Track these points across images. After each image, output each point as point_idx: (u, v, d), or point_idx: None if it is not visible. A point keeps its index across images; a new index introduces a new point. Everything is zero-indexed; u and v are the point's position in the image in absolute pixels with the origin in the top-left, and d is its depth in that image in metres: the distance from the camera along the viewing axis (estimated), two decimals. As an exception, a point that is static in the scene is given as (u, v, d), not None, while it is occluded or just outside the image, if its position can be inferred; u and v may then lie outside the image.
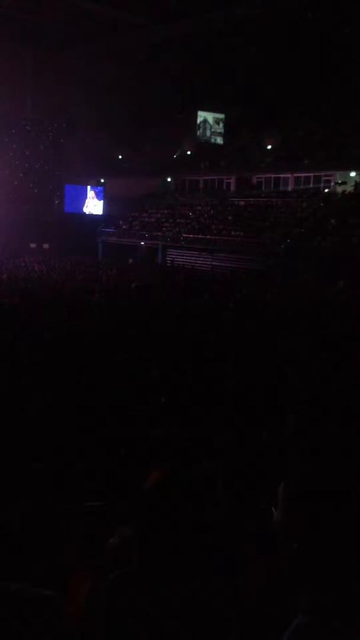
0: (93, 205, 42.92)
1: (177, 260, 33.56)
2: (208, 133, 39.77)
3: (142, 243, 37.62)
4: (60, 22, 37.20)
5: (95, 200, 42.88)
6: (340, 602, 1.19)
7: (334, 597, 1.19)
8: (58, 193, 43.51)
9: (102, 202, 43.36)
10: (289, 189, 34.19)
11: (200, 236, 33.03)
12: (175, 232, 35.38)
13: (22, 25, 36.53)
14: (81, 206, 42.94)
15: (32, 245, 39.19)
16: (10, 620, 1.53)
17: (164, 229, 36.61)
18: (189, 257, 33.12)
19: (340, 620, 1.18)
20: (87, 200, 42.77)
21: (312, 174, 33.11)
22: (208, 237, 32.49)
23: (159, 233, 36.36)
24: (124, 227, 40.09)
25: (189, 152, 42.07)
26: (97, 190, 43.17)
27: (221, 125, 39.85)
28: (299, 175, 33.87)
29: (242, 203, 34.87)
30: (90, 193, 42.81)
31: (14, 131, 42.36)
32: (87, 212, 42.87)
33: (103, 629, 1.66)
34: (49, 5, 34.75)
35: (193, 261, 32.38)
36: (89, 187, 43.07)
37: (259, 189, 35.94)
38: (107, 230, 40.58)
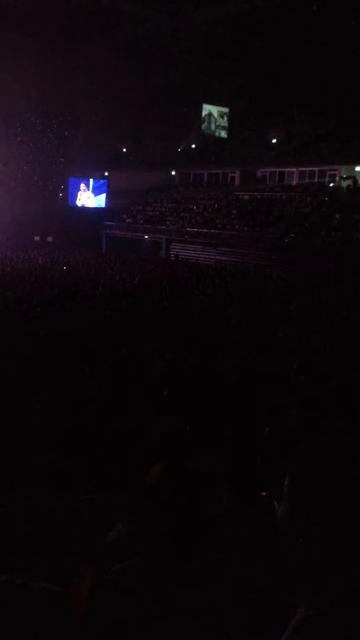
0: (86, 198, 42.55)
1: (181, 254, 33.55)
2: (213, 127, 39.59)
3: (146, 237, 37.60)
4: (66, 15, 37.04)
5: (88, 192, 42.49)
6: (345, 598, 1.17)
7: (338, 593, 1.18)
8: (62, 186, 43.47)
9: (91, 192, 42.88)
10: (294, 183, 34.07)
11: (204, 230, 32.99)
12: (179, 226, 35.34)
13: (27, 18, 36.41)
14: (81, 199, 42.72)
15: (36, 238, 39.23)
16: (14, 614, 1.52)
17: (168, 222, 36.57)
18: (193, 251, 33.12)
19: (343, 615, 1.16)
20: (79, 193, 42.41)
21: (316, 168, 32.98)
22: (212, 231, 32.44)
23: (163, 227, 36.33)
24: (127, 220, 40.06)
25: (193, 146, 41.94)
26: (86, 182, 42.57)
27: (225, 118, 39.70)
28: (304, 169, 33.75)
29: (246, 197, 34.78)
30: (82, 186, 42.40)
31: (18, 124, 42.30)
32: (79, 205, 42.46)
33: (105, 622, 1.66)
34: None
35: (197, 255, 32.36)
36: (87, 181, 42.64)
37: (264, 183, 35.83)
38: (111, 223, 40.56)
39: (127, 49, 39.88)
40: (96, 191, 42.69)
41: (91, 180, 42.69)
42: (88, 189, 42.43)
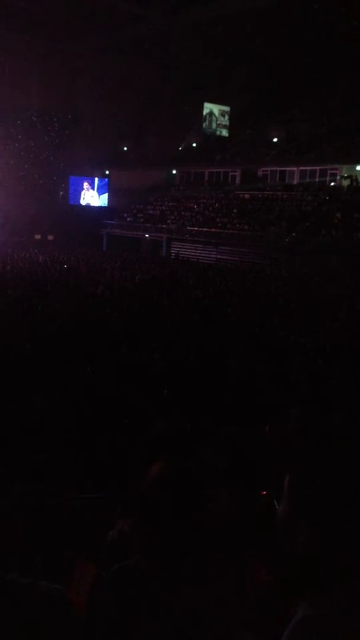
0: (90, 197, 42.66)
1: (181, 253, 33.55)
2: (214, 125, 39.57)
3: (147, 236, 37.59)
4: (66, 15, 37.01)
5: (92, 191, 42.58)
6: (345, 598, 1.17)
7: (338, 593, 1.18)
8: (63, 185, 43.47)
9: (96, 192, 42.88)
10: (295, 182, 34.06)
11: (204, 229, 32.97)
12: (179, 225, 35.33)
13: (28, 16, 36.38)
14: (85, 198, 42.76)
15: (37, 236, 39.22)
16: (19, 613, 1.52)
17: (168, 221, 36.56)
18: (193, 250, 33.10)
19: (343, 615, 1.17)
20: (83, 192, 42.45)
21: (317, 168, 32.97)
22: (213, 230, 32.42)
23: (164, 226, 36.32)
24: (128, 219, 40.04)
25: (194, 145, 41.93)
26: (91, 181, 42.74)
27: (226, 117, 39.65)
28: (305, 168, 33.73)
29: (247, 196, 34.76)
30: (85, 184, 42.46)
31: (19, 122, 42.30)
32: (83, 204, 42.57)
33: (105, 622, 1.65)
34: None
35: (197, 254, 32.35)
36: (91, 180, 42.72)
37: (264, 182, 35.81)
38: (112, 222, 40.55)
39: (127, 49, 39.83)
40: (100, 190, 42.70)
41: (96, 179, 42.70)
42: (92, 188, 42.47)
